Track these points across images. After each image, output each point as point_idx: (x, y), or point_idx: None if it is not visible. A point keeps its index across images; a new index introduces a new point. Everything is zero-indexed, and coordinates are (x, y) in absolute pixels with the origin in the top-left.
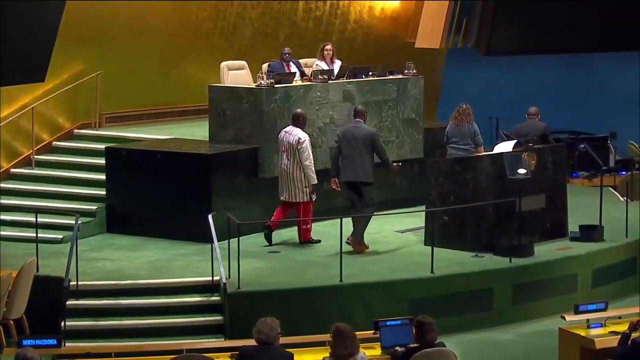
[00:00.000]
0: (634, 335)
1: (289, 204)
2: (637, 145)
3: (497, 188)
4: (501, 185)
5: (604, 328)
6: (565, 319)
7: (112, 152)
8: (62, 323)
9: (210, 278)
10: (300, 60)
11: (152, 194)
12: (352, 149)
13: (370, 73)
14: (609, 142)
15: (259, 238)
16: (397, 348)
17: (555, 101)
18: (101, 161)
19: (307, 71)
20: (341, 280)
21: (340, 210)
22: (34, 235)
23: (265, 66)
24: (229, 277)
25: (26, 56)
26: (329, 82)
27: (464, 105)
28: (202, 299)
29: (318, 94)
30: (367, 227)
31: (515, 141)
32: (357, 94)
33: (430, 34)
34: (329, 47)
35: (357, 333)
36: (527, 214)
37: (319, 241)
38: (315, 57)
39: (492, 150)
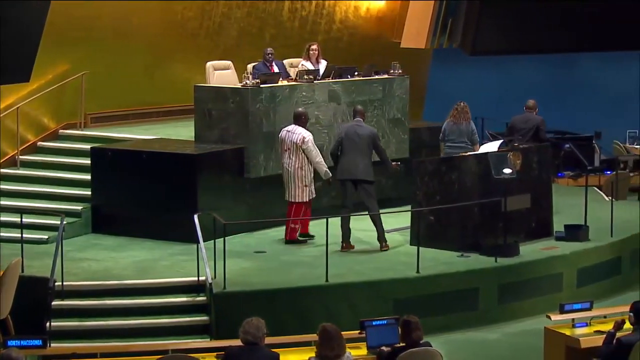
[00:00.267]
0: (619, 334)
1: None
2: (622, 145)
3: (483, 188)
4: (487, 185)
5: (589, 327)
6: (550, 319)
7: (98, 153)
8: (48, 323)
9: (196, 278)
10: (285, 60)
11: (137, 194)
12: (355, 148)
13: (356, 73)
14: (594, 141)
15: (244, 238)
16: (383, 348)
17: (541, 101)
18: (86, 161)
19: (293, 71)
20: (327, 280)
21: (325, 210)
22: (19, 235)
23: (250, 67)
24: (215, 277)
25: (11, 56)
26: (315, 82)
27: (462, 104)
28: (188, 299)
29: (304, 94)
30: (353, 227)
31: (500, 141)
32: (342, 94)
33: (415, 34)
34: (314, 47)
35: (342, 333)
36: (512, 213)
37: (305, 241)
38: (301, 57)
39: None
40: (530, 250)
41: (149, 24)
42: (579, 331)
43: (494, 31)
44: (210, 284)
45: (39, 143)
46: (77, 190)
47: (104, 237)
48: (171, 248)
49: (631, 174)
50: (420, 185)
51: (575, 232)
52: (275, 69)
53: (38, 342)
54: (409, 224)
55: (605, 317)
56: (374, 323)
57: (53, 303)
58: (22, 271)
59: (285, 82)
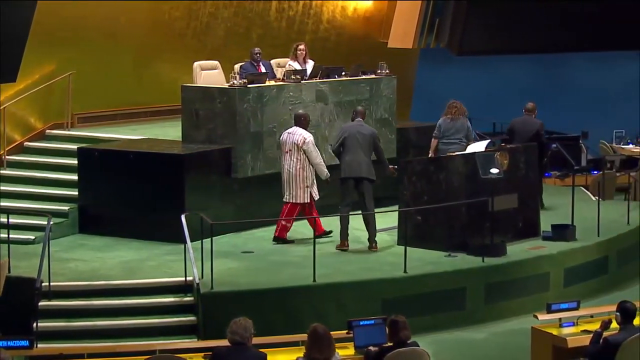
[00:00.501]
0: (605, 333)
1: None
2: (608, 145)
3: (470, 188)
4: (474, 185)
5: (576, 327)
6: (537, 318)
7: (85, 153)
8: (35, 324)
9: (183, 278)
10: (273, 60)
11: (124, 195)
12: (358, 147)
13: (343, 73)
14: (580, 141)
15: (232, 238)
16: (371, 348)
17: (527, 101)
18: (73, 161)
19: (280, 71)
20: (315, 280)
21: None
22: (6, 236)
23: (237, 67)
24: (202, 277)
25: None
26: (302, 82)
27: (457, 102)
28: (175, 299)
29: (291, 94)
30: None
31: (488, 141)
32: (330, 94)
33: (402, 34)
34: (301, 47)
35: (330, 333)
36: (499, 213)
37: (292, 242)
38: (288, 57)
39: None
40: (518, 250)
41: (136, 24)
42: (566, 331)
43: (480, 31)
44: (198, 284)
45: (26, 143)
46: (64, 190)
47: (91, 238)
48: (158, 248)
49: (618, 174)
50: (407, 185)
51: (562, 232)
52: (263, 69)
53: (25, 343)
54: (396, 224)
55: (592, 316)
56: (361, 323)
57: (40, 303)
58: (9, 272)
59: (272, 82)
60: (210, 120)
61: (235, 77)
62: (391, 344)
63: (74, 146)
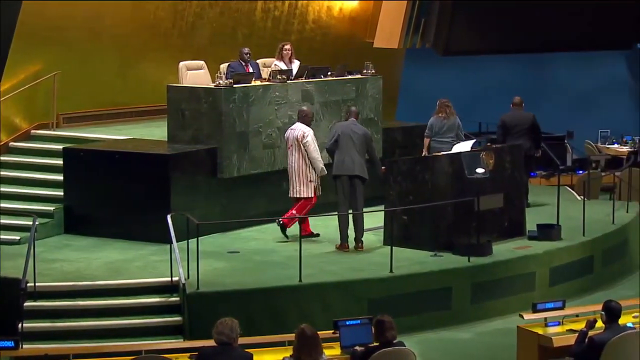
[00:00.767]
0: (591, 333)
1: (296, 199)
2: (593, 145)
3: (456, 187)
4: (460, 185)
5: (562, 326)
6: (523, 318)
7: (70, 153)
8: (20, 325)
9: (169, 279)
10: (259, 60)
11: (110, 195)
12: (352, 146)
13: (329, 73)
14: (566, 141)
15: (218, 238)
16: (357, 348)
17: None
18: (59, 162)
19: (266, 71)
20: (300, 280)
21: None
22: None
23: (224, 66)
24: (188, 277)
25: None
26: (288, 82)
27: (448, 100)
28: (161, 299)
29: (277, 93)
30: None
31: (473, 141)
32: (316, 94)
33: (388, 34)
34: (287, 47)
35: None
36: (485, 213)
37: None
38: (274, 57)
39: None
40: (503, 250)
41: (122, 24)
42: (552, 330)
43: (466, 31)
44: (184, 284)
45: (11, 143)
46: (50, 190)
47: (76, 238)
48: (144, 248)
49: (603, 174)
50: (393, 185)
51: (547, 232)
52: (250, 69)
53: (10, 344)
54: (382, 223)
55: (577, 316)
56: (347, 323)
57: (25, 304)
58: None
59: (258, 82)
60: (196, 120)
61: (221, 77)
62: (377, 344)
63: (59, 146)
